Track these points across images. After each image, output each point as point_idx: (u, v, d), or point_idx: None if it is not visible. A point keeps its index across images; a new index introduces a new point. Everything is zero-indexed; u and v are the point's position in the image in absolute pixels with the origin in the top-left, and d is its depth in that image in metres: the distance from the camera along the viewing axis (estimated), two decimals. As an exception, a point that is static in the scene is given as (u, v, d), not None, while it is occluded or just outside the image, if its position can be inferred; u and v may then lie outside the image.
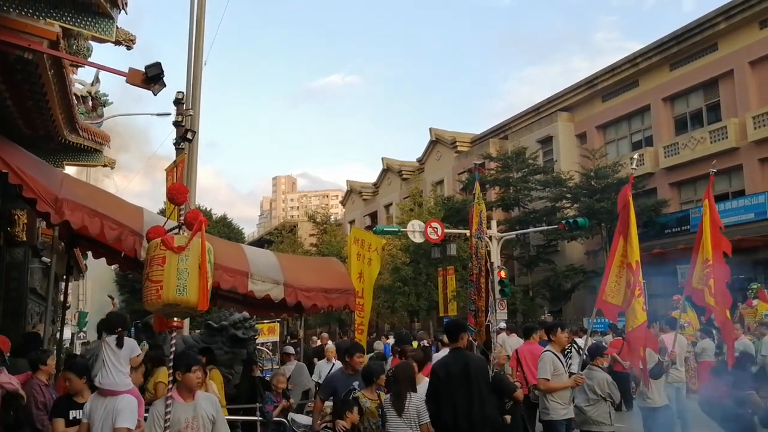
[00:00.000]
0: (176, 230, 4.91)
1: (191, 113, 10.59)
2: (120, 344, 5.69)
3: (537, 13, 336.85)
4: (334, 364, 10.40)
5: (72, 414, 5.58)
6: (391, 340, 16.69)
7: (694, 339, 14.65)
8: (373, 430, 6.62)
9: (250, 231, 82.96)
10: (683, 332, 11.37)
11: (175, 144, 10.42)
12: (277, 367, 11.75)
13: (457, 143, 39.33)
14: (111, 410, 5.22)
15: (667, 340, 9.00)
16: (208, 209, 45.02)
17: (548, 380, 7.40)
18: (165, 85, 6.51)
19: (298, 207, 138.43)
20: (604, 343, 12.31)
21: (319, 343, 16.68)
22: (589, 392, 7.35)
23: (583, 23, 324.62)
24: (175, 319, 4.93)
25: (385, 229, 24.13)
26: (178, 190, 5.05)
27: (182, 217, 4.95)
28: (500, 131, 37.14)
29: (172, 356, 4.96)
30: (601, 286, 7.43)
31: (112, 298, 7.70)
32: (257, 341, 11.96)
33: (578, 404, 7.45)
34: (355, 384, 6.84)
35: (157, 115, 19.91)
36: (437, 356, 9.66)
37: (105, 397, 5.34)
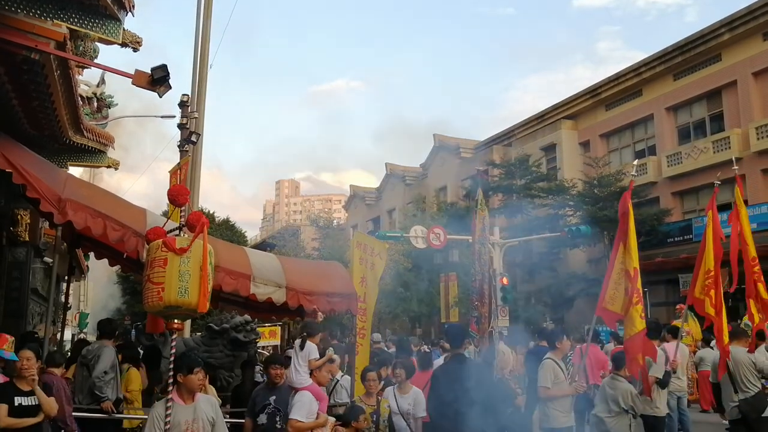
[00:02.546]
0: (176, 232, 4.91)
1: (196, 116, 10.64)
2: (302, 347, 6.49)
3: (539, 21, 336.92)
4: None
5: (17, 400, 5.61)
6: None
7: (694, 348, 14.64)
8: None
9: (253, 234, 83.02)
10: (684, 341, 11.36)
11: (179, 146, 10.48)
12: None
13: (461, 149, 39.32)
14: (291, 404, 6.18)
15: (669, 348, 8.99)
16: (210, 212, 45.01)
17: (548, 388, 7.36)
18: (170, 87, 6.55)
19: (301, 211, 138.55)
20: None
21: None
22: (611, 403, 7.17)
23: (585, 32, 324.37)
24: (176, 321, 4.92)
25: (387, 234, 24.12)
26: (179, 191, 5.04)
27: (183, 219, 4.96)
28: (504, 138, 37.14)
29: (172, 358, 4.96)
30: (601, 293, 7.41)
31: (316, 312, 8.09)
32: (258, 344, 11.97)
33: (598, 414, 7.29)
34: (272, 399, 6.38)
35: (162, 117, 19.93)
36: (437, 362, 9.67)
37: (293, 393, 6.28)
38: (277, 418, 6.29)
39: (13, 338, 5.96)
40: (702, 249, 8.51)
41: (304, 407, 6.14)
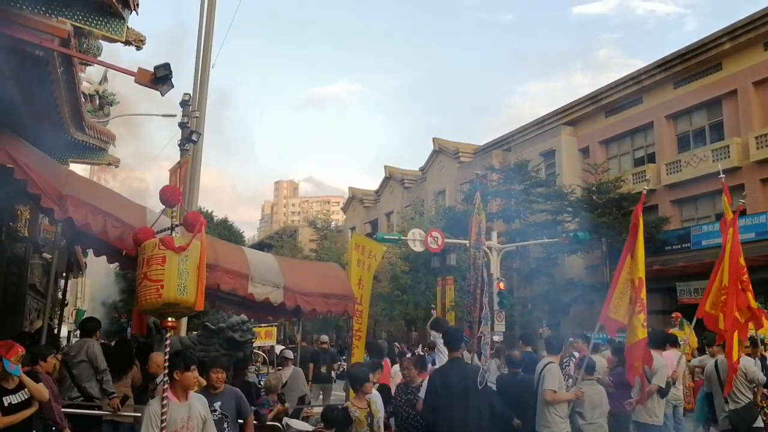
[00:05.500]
0: (168, 231, 4.92)
1: (197, 115, 10.66)
2: None
3: (538, 28, 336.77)
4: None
5: (6, 400, 5.61)
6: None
7: (690, 357, 14.65)
8: None
9: (251, 234, 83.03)
10: (680, 350, 11.36)
11: (179, 145, 10.49)
12: (273, 371, 11.77)
13: (460, 154, 39.38)
14: None
15: (670, 357, 8.98)
16: (209, 211, 45.06)
17: (555, 392, 7.32)
18: (173, 86, 6.55)
19: (299, 212, 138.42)
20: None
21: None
22: (606, 406, 7.33)
23: (585, 40, 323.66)
24: (170, 318, 4.93)
25: (385, 236, 24.13)
26: (171, 191, 5.08)
27: (175, 218, 4.98)
28: (503, 143, 37.19)
29: (167, 356, 4.96)
30: (606, 302, 7.42)
31: (433, 307, 8.71)
32: (254, 345, 11.97)
33: (597, 420, 7.33)
34: (217, 405, 5.87)
35: (162, 116, 19.93)
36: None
37: None
38: (225, 425, 5.88)
39: (24, 350, 5.91)
40: (718, 265, 8.50)
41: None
